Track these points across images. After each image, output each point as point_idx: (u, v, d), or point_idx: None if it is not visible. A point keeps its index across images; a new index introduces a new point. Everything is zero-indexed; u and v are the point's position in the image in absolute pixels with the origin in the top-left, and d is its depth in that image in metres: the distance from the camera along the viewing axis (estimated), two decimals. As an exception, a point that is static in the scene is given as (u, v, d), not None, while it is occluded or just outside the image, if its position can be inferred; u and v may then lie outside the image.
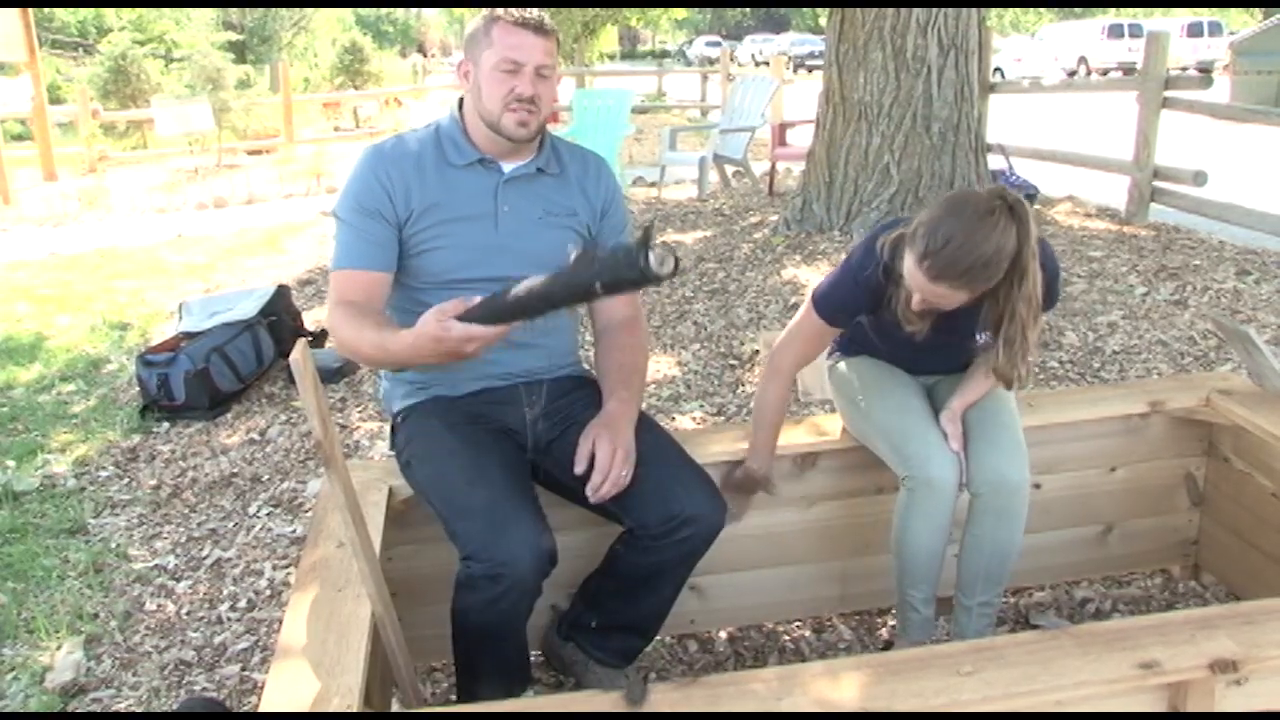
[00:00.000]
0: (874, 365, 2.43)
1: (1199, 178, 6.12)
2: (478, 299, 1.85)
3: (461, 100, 2.22)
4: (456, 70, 2.20)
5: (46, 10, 23.65)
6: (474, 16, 2.19)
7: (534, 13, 2.10)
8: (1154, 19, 25.35)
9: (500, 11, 2.09)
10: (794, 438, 2.50)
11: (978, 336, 2.22)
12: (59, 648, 2.69)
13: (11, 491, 3.62)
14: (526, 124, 2.12)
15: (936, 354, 2.32)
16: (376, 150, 2.18)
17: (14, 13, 12.00)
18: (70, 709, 2.47)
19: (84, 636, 2.75)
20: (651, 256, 1.62)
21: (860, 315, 2.30)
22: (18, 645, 2.72)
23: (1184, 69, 23.07)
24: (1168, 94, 6.41)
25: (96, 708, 2.47)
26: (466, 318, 1.84)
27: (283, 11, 28.07)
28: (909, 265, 2.01)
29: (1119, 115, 8.84)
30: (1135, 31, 25.56)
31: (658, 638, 2.44)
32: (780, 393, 2.33)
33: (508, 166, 2.20)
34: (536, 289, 1.76)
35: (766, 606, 2.63)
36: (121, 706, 2.46)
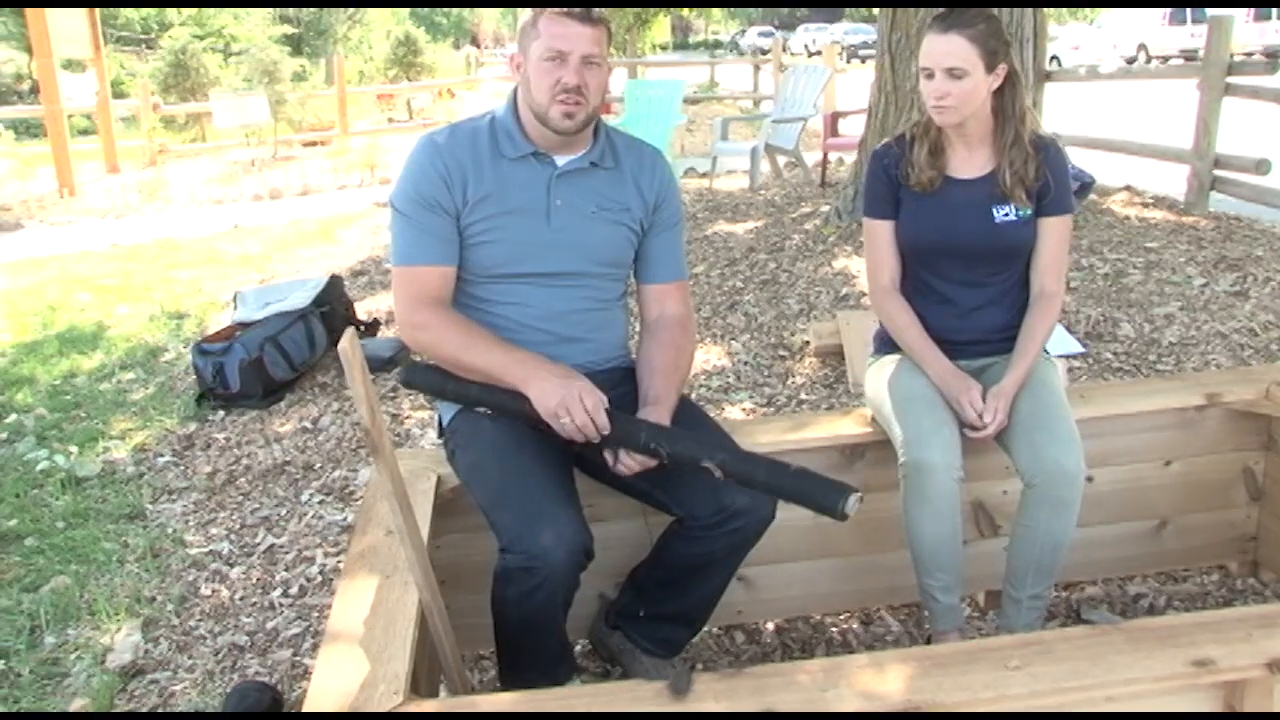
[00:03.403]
0: (896, 362, 2.43)
1: (1262, 166, 5.98)
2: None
3: (516, 90, 2.21)
4: (509, 63, 2.19)
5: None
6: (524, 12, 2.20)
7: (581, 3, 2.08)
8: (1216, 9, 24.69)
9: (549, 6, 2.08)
10: (842, 429, 2.49)
11: (996, 212, 2.32)
12: (118, 629, 2.76)
13: (74, 477, 3.71)
14: (573, 115, 2.10)
15: (967, 228, 2.34)
16: (432, 140, 2.17)
17: (81, 10, 12.26)
18: (129, 690, 2.53)
19: (142, 619, 2.81)
20: (851, 503, 1.91)
21: (895, 193, 2.41)
22: (80, 626, 2.79)
23: (1250, 54, 22.52)
24: (1230, 80, 6.25)
25: (154, 689, 2.52)
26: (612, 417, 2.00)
27: (338, 5, 28.36)
28: (922, 51, 2.27)
29: (1179, 103, 8.66)
30: (1198, 17, 24.96)
31: (705, 628, 2.44)
32: (900, 306, 2.43)
33: (561, 160, 2.18)
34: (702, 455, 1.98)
35: (814, 598, 2.62)
36: (177, 689, 2.52)
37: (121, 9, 25.11)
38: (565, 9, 2.06)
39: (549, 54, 2.06)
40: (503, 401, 2.08)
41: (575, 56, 2.07)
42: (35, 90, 15.40)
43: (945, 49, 2.22)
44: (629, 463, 2.04)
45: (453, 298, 2.22)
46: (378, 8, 29.54)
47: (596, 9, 2.10)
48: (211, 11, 24.46)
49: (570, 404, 1.98)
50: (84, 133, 15.78)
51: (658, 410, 2.10)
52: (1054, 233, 2.34)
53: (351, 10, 28.99)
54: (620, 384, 2.27)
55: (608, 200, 2.21)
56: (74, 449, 3.97)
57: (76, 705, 2.46)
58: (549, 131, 2.13)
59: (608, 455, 2.06)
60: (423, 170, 2.13)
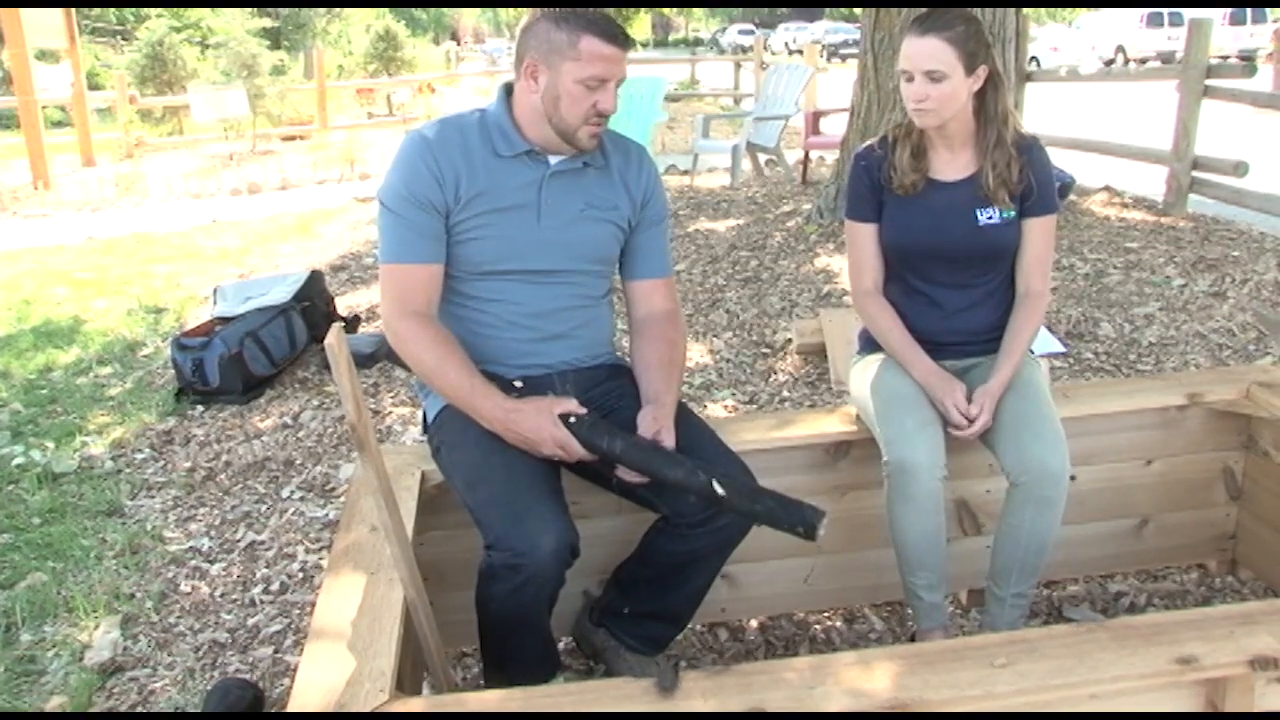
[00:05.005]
0: (880, 361, 2.44)
1: (1240, 168, 6.03)
2: (580, 411, 2.02)
3: (508, 87, 2.18)
4: (522, 69, 2.11)
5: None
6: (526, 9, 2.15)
7: (615, 22, 2.07)
8: (1193, 11, 24.85)
9: (587, 16, 2.04)
10: (827, 427, 2.49)
11: (980, 215, 2.31)
12: (97, 626, 2.73)
13: (51, 472, 3.68)
14: (598, 135, 2.13)
15: (951, 232, 2.33)
16: (422, 137, 2.13)
17: (55, 1, 12.15)
18: (108, 687, 2.50)
19: (121, 616, 2.78)
20: (821, 528, 1.86)
21: (878, 196, 2.39)
22: (58, 623, 2.76)
23: (1225, 57, 22.70)
24: (1209, 83, 6.31)
25: (133, 687, 2.50)
26: (576, 430, 1.99)
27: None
28: (901, 54, 2.26)
29: (1157, 105, 8.73)
30: (1175, 20, 25.17)
31: (688, 625, 2.44)
32: (883, 308, 2.43)
33: (554, 159, 2.17)
34: (671, 472, 1.96)
35: (798, 595, 2.63)
36: (157, 686, 2.50)
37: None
38: (611, 34, 2.04)
39: (591, 80, 2.05)
40: None
41: (613, 83, 2.08)
42: (8, 81, 15.24)
43: (923, 51, 2.21)
44: (632, 477, 2.05)
45: (440, 295, 2.20)
46: (362, 7, 29.34)
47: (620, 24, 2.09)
48: (189, 4, 24.24)
49: (545, 453, 2.03)
50: (58, 125, 15.64)
51: (660, 410, 2.10)
52: (1038, 233, 2.35)
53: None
54: (607, 380, 2.26)
55: (596, 199, 2.20)
56: (50, 444, 3.93)
57: (54, 703, 2.44)
58: (554, 136, 2.12)
59: (621, 472, 2.06)
60: (413, 167, 2.10)
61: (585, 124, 2.09)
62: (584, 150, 2.14)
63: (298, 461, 3.64)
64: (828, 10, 48.86)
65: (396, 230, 2.11)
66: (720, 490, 1.92)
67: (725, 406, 3.75)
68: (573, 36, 2.03)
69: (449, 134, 2.14)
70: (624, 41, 2.07)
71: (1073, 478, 2.24)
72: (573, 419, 2.01)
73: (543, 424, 2.00)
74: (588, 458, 2.02)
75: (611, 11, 2.17)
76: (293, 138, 14.92)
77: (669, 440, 2.06)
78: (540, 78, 2.08)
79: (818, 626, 2.61)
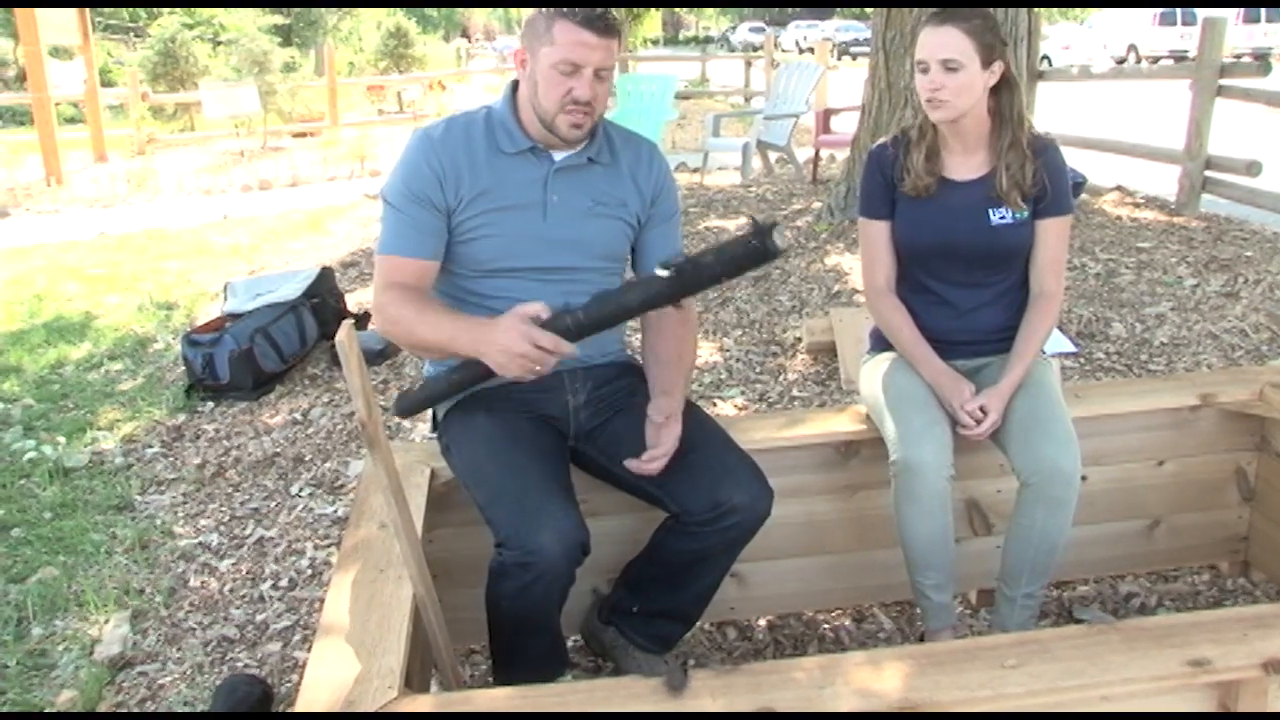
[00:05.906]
0: (890, 360, 2.43)
1: (1253, 168, 5.99)
2: (545, 313, 1.92)
3: (514, 84, 2.18)
4: (513, 56, 2.15)
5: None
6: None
7: (599, 11, 2.03)
8: (1206, 9, 24.71)
9: (571, 6, 2.02)
10: (837, 426, 2.48)
11: (992, 215, 2.31)
12: (107, 621, 2.74)
13: (62, 467, 3.69)
14: (581, 125, 2.09)
15: (963, 232, 2.32)
16: (427, 135, 2.14)
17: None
18: (117, 682, 2.51)
19: (130, 611, 2.79)
20: (776, 236, 1.81)
21: (891, 194, 2.39)
22: (68, 618, 2.77)
23: (1239, 56, 22.60)
24: (1223, 82, 6.26)
25: (143, 681, 2.51)
26: (551, 327, 1.90)
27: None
28: (917, 45, 2.25)
29: (1169, 104, 8.68)
30: (1188, 19, 25.05)
31: (697, 624, 2.43)
32: (895, 307, 2.42)
33: (558, 155, 2.16)
34: (629, 300, 1.91)
35: (806, 595, 2.62)
36: (166, 681, 2.50)
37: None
38: (584, 18, 2.01)
39: (563, 65, 2.02)
40: (478, 375, 2.01)
41: (589, 70, 2.03)
42: (22, 77, 15.32)
43: (940, 41, 2.21)
44: (651, 467, 2.06)
45: (448, 293, 2.20)
46: (379, 8, 29.37)
47: (613, 16, 2.06)
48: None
49: (527, 364, 1.90)
50: (71, 121, 15.68)
51: (670, 400, 2.13)
52: (1053, 234, 2.34)
53: (343, 0, 28.87)
54: (618, 378, 2.26)
55: (604, 195, 2.20)
56: (61, 439, 3.94)
57: (64, 697, 2.45)
58: (546, 130, 2.12)
59: (630, 463, 2.07)
60: (416, 166, 2.11)
61: (562, 111, 2.06)
62: (566, 141, 2.12)
63: (307, 458, 3.64)
64: (839, 8, 48.75)
65: (396, 225, 2.12)
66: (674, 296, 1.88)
67: (735, 405, 3.74)
68: (549, 21, 2.03)
69: (454, 133, 2.14)
70: (603, 30, 2.03)
71: (1084, 478, 2.23)
72: (549, 316, 1.92)
73: (518, 333, 1.88)
74: (568, 350, 1.91)
75: (621, 11, 2.16)
76: (304, 134, 14.94)
77: (674, 431, 2.09)
78: (527, 65, 2.09)
79: (827, 626, 2.61)
